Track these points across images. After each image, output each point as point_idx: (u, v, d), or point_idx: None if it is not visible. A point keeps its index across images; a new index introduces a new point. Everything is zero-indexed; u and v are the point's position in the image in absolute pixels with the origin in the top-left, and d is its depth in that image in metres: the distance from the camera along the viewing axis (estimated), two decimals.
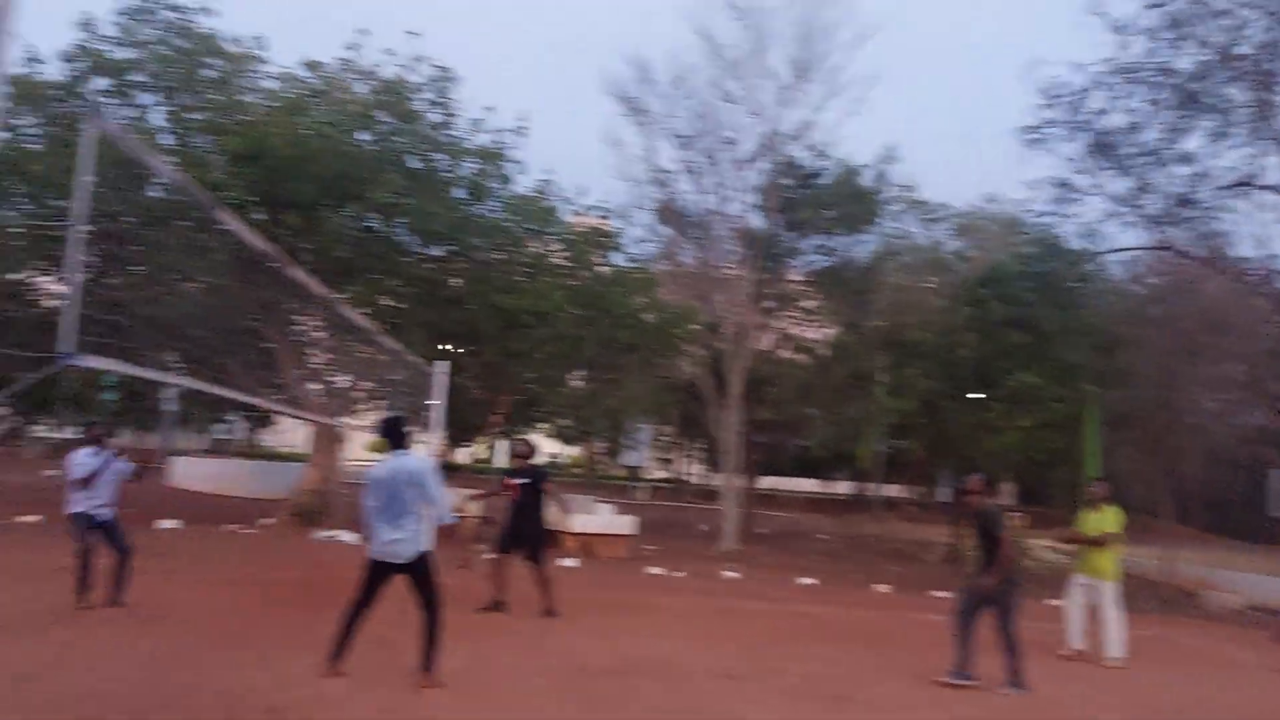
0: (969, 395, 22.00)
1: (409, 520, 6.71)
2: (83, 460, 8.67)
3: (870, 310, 23.90)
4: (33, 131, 14.99)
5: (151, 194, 14.69)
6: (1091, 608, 9.97)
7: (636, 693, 7.02)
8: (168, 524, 16.24)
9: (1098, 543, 9.86)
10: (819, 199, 22.67)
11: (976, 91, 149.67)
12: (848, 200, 22.36)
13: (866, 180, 22.91)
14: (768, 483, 35.76)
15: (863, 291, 23.57)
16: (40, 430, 42.55)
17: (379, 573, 6.83)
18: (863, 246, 24.28)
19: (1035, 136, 17.87)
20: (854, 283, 23.72)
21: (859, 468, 36.45)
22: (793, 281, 25.16)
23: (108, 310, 13.73)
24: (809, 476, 43.72)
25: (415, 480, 6.70)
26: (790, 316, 25.76)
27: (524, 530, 10.11)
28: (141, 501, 20.68)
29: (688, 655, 8.62)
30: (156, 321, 14.88)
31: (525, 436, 11.62)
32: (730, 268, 22.62)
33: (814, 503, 41.61)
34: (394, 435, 6.92)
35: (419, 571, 6.76)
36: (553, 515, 10.25)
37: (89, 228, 3.77)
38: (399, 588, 6.87)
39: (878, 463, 26.73)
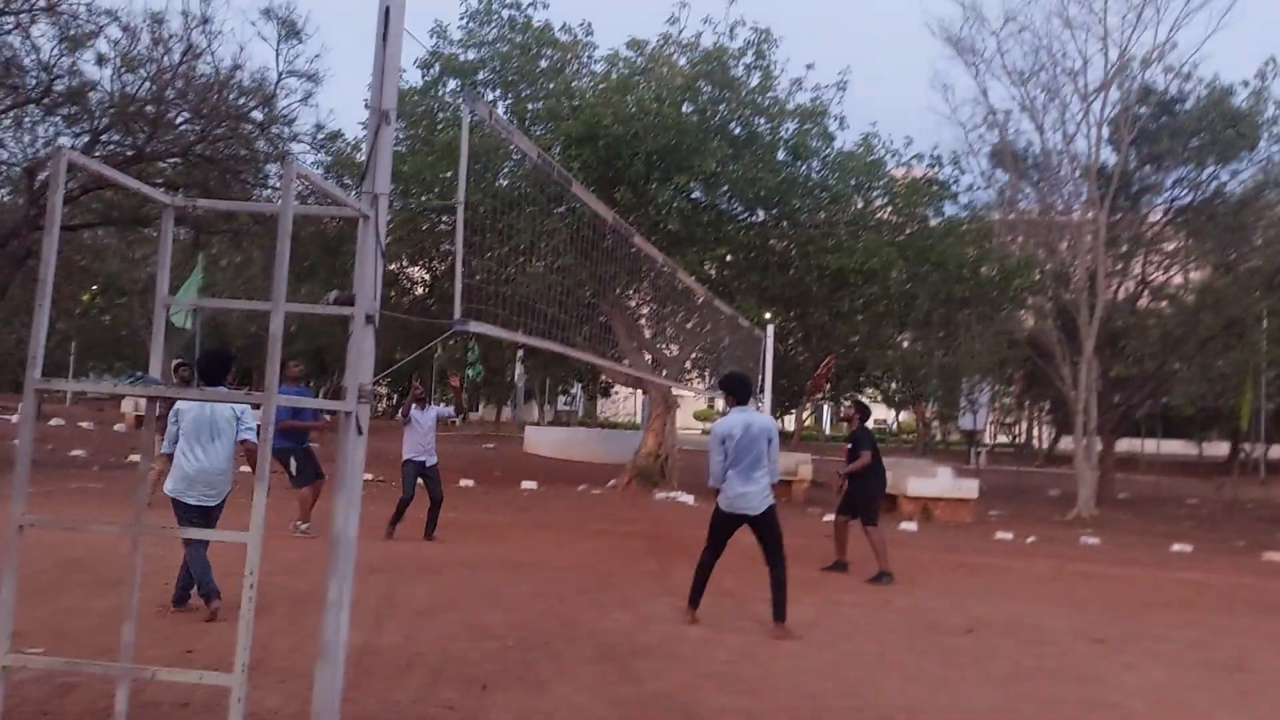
0: None
1: (760, 473, 6.84)
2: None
3: (1247, 248, 21.09)
4: (398, 134, 16.92)
5: (501, 182, 16.10)
6: None
7: (996, 652, 6.74)
8: (528, 485, 17.80)
9: None
10: (1181, 127, 20.28)
11: None
12: (1217, 125, 19.81)
13: (1240, 100, 20.16)
14: (1125, 445, 32.70)
15: (1238, 228, 20.84)
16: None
17: (730, 525, 7.02)
18: (1237, 176, 21.44)
19: None
20: (1227, 218, 21.02)
21: (1235, 427, 32.37)
22: (1152, 222, 22.75)
23: (472, 293, 15.22)
24: (1174, 438, 39.46)
25: (767, 435, 6.84)
26: (1150, 261, 23.34)
27: (855, 492, 9.99)
28: (502, 464, 22.86)
29: (1049, 618, 8.15)
30: (513, 300, 16.28)
31: (858, 400, 11.44)
32: (1077, 211, 20.84)
33: (1180, 466, 37.48)
34: (741, 391, 7.08)
35: (769, 523, 6.90)
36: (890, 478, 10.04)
37: (459, 211, 4.18)
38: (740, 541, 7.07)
39: (1258, 420, 23.57)
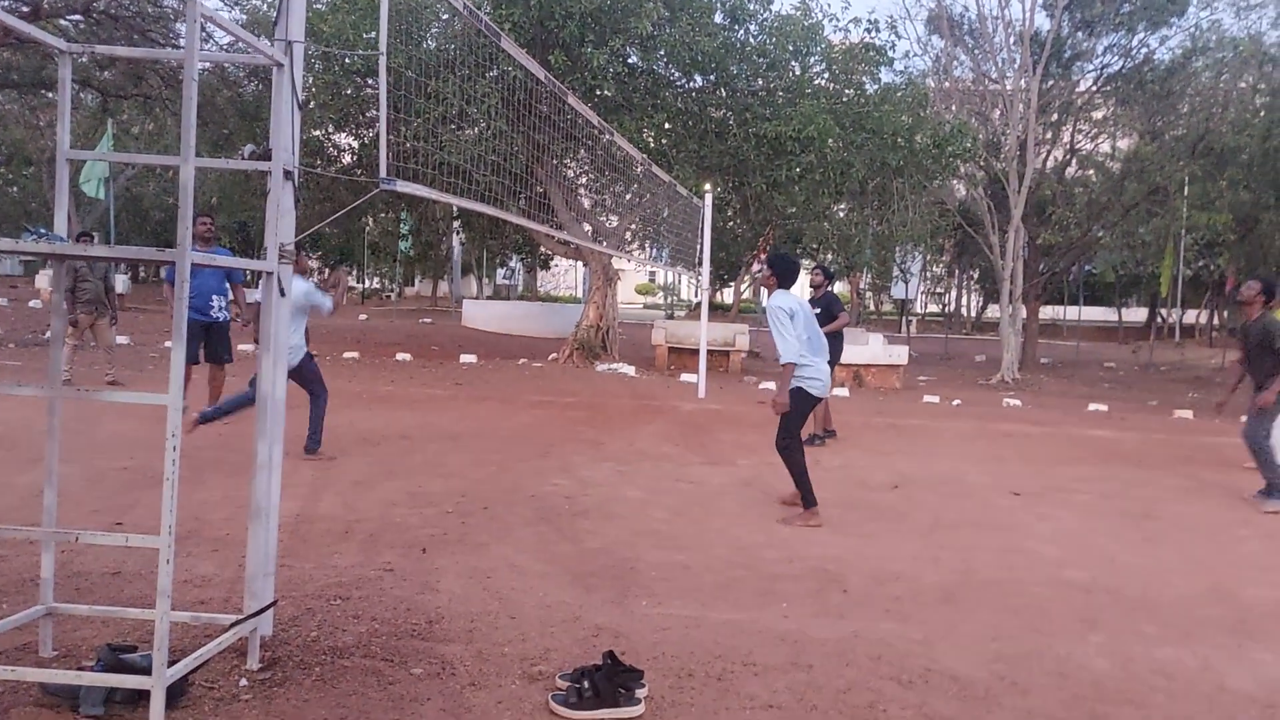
0: None
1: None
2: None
3: (1174, 116, 21.33)
4: None
5: (427, 44, 15.40)
6: None
7: (920, 505, 7.01)
8: (467, 358, 17.73)
9: None
10: None
11: None
12: None
13: None
14: (1049, 312, 33.67)
15: (1166, 95, 21.00)
16: (348, 279, 47.11)
17: (812, 406, 6.55)
18: (1166, 43, 21.49)
19: None
20: (1154, 86, 21.14)
21: (1154, 293, 33.49)
22: (1082, 90, 22.81)
23: (401, 159, 14.76)
24: (1096, 305, 40.71)
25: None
26: (1079, 129, 23.50)
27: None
28: (441, 339, 22.71)
29: (971, 474, 8.48)
30: (444, 168, 15.84)
31: (821, 265, 11.41)
32: (1010, 79, 20.78)
33: (1101, 331, 38.81)
34: (787, 273, 6.47)
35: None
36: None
37: (381, 62, 3.97)
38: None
39: (1176, 287, 24.35)
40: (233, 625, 3.20)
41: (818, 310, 10.13)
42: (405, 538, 5.38)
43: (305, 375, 7.55)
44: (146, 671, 2.75)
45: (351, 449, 8.17)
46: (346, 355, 17.37)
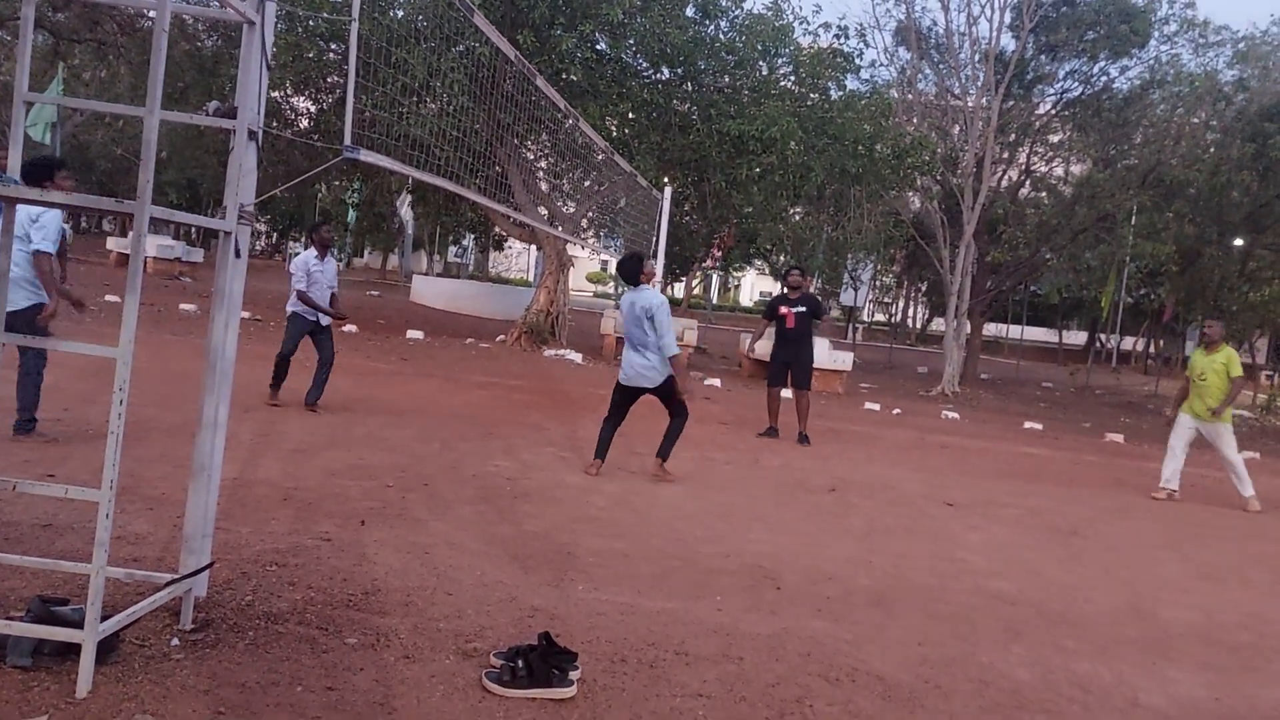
0: (1235, 242, 19.99)
1: (650, 349, 7.11)
2: (304, 264, 8.70)
3: (1128, 145, 21.88)
4: None
5: (394, 14, 15.22)
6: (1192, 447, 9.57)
7: (855, 509, 7.14)
8: (414, 334, 17.58)
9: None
10: (1080, 18, 20.58)
11: None
12: (1113, 19, 20.16)
13: None
14: (993, 329, 34.34)
15: (1121, 124, 21.54)
16: (296, 246, 46.49)
17: (628, 395, 7.36)
18: (1126, 73, 22.03)
19: None
20: (1111, 114, 21.68)
21: (1095, 317, 34.33)
22: (1041, 113, 23.28)
23: (360, 128, 14.56)
24: (1038, 325, 41.63)
25: (648, 313, 7.06)
26: (1035, 151, 23.99)
27: (796, 358, 10.24)
28: (388, 314, 22.48)
29: (906, 482, 8.65)
30: (404, 140, 15.66)
31: (799, 265, 11.50)
32: (973, 96, 21.13)
33: (1041, 352, 39.70)
34: (630, 272, 7.33)
35: (665, 391, 7.25)
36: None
37: (353, 28, 3.94)
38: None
39: (1116, 313, 25.02)
40: (169, 584, 3.16)
41: (802, 309, 10.25)
42: (344, 508, 5.34)
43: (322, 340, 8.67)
44: (78, 624, 2.71)
45: (293, 416, 8.07)
46: None
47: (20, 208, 5.70)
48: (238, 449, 6.41)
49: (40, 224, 5.85)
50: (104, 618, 2.75)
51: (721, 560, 5.29)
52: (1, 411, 6.17)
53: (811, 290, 10.92)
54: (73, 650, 2.74)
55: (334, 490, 5.73)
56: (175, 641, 3.17)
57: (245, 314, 16.26)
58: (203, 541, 3.36)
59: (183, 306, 16.71)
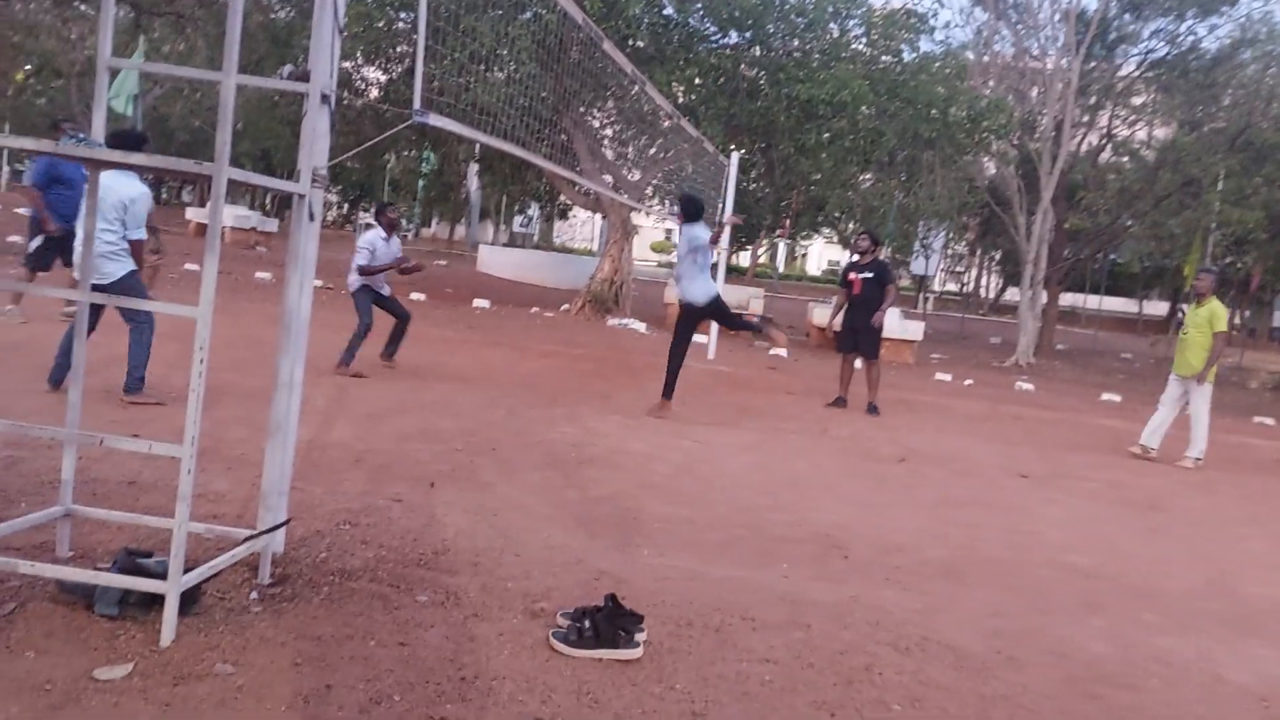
0: None
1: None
2: (371, 242, 8.93)
3: (1216, 107, 21.00)
4: None
5: None
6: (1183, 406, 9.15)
7: (926, 480, 7.03)
8: (480, 303, 17.74)
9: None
10: None
11: None
12: None
13: None
14: (1069, 299, 33.42)
15: (1209, 85, 20.67)
16: (366, 216, 47.07)
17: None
18: (1215, 32, 21.14)
19: None
20: (1198, 75, 20.80)
21: (1176, 287, 33.20)
22: (1124, 74, 22.44)
23: (433, 94, 14.65)
24: (1117, 295, 40.44)
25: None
26: (1117, 114, 23.17)
27: (864, 325, 10.08)
28: (454, 282, 22.70)
29: (979, 453, 8.49)
30: (473, 108, 15.73)
31: (869, 230, 11.29)
32: (1051, 57, 20.46)
33: (1121, 322, 38.56)
34: (691, 209, 8.62)
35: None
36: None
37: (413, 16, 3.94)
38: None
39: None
40: (248, 539, 3.24)
41: (869, 275, 10.06)
42: (414, 471, 5.42)
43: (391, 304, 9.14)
44: (162, 576, 2.80)
45: (365, 382, 8.21)
46: None
47: (115, 189, 5.90)
48: (311, 413, 6.54)
49: (134, 211, 6.07)
50: (186, 570, 2.83)
51: (788, 529, 5.25)
52: (92, 374, 6.38)
53: (882, 258, 10.69)
54: (157, 601, 2.83)
55: (404, 453, 5.82)
56: (254, 595, 3.26)
57: (318, 282, 16.59)
58: (279, 499, 3.43)
59: (258, 275, 17.10)
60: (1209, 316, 8.89)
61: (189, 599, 2.95)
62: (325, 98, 3.25)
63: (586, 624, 3.25)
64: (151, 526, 3.56)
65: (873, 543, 5.15)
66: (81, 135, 2.81)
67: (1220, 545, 6.09)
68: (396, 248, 9.19)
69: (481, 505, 4.90)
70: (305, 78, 3.21)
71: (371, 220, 9.11)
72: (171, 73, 3.92)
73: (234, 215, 25.28)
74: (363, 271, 8.92)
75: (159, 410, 6.10)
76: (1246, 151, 19.59)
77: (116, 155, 2.78)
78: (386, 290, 9.16)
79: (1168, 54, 21.63)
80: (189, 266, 16.23)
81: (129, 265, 6.14)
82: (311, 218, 3.33)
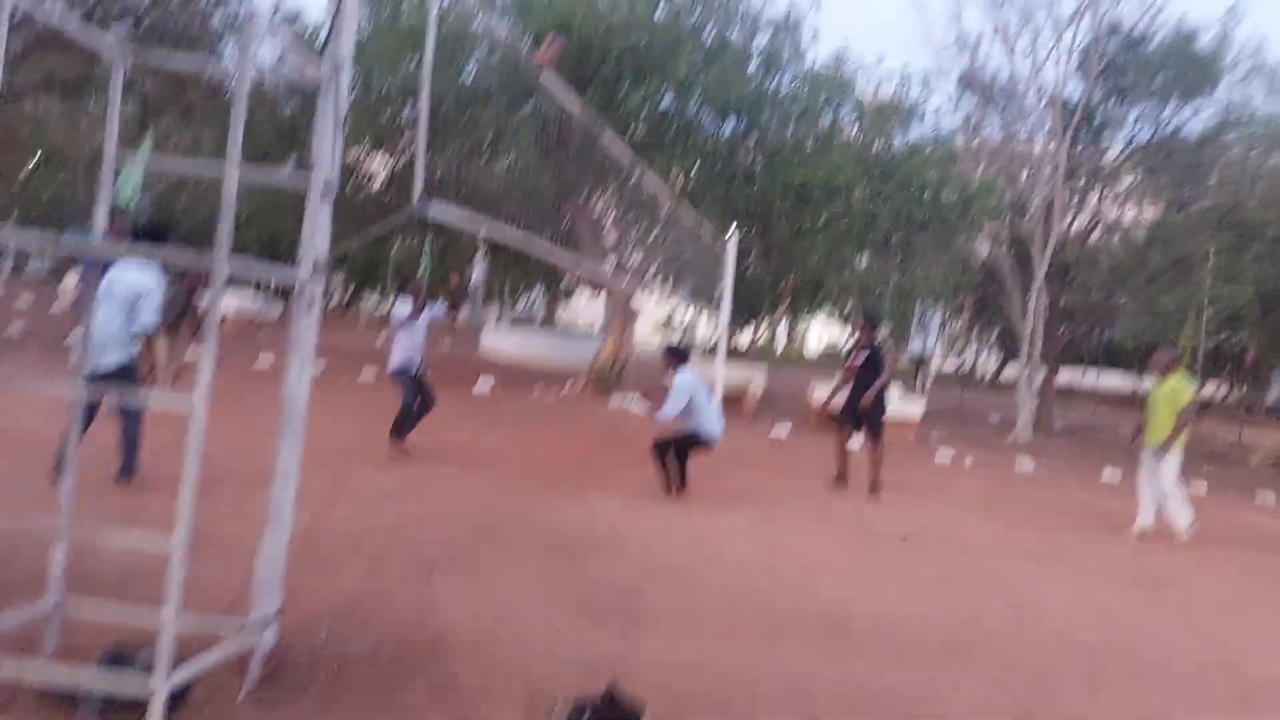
0: None
1: None
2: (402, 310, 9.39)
3: (1201, 188, 21.36)
4: (363, 21, 16.31)
5: (464, 80, 15.67)
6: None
7: (928, 559, 6.97)
8: (483, 385, 17.78)
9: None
10: (1147, 63, 20.29)
11: None
12: (1181, 64, 19.85)
13: (1204, 44, 20.24)
14: (1067, 376, 33.49)
15: (1193, 167, 21.06)
16: (369, 300, 47.33)
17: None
18: (1197, 115, 21.59)
19: None
20: (1183, 157, 21.22)
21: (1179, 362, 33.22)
22: (1111, 157, 22.90)
23: (432, 186, 14.96)
24: (1114, 371, 40.50)
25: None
26: (1105, 195, 23.56)
27: (867, 407, 10.09)
28: (457, 365, 22.79)
29: (980, 532, 8.43)
30: (476, 195, 16.03)
31: (867, 313, 11.38)
32: (1039, 141, 20.90)
33: (1119, 399, 38.53)
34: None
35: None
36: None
37: (423, 87, 4.07)
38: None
39: (1196, 358, 24.25)
40: (239, 633, 3.21)
41: (863, 358, 10.09)
42: (414, 556, 5.39)
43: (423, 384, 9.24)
44: (149, 673, 2.76)
45: (365, 465, 8.20)
46: (364, 375, 17.46)
47: (126, 278, 6.02)
48: (312, 497, 6.50)
49: (149, 300, 6.16)
50: (175, 665, 2.80)
51: (791, 609, 5.20)
52: (89, 460, 6.38)
53: (880, 339, 10.76)
54: (145, 700, 2.79)
55: (404, 539, 5.79)
56: (246, 690, 3.22)
57: (321, 364, 16.66)
58: (273, 589, 3.42)
59: (260, 360, 17.17)
60: (1172, 392, 8.95)
61: (178, 696, 2.91)
62: (327, 189, 3.33)
63: (587, 715, 3.20)
64: (142, 621, 3.53)
65: (876, 622, 5.09)
66: (83, 230, 2.87)
67: (1224, 624, 6.02)
68: (438, 314, 9.51)
69: (481, 590, 4.86)
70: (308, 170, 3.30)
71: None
72: (177, 166, 4.02)
73: (237, 302, 25.51)
74: (396, 328, 9.32)
75: (159, 497, 6.08)
76: (1235, 230, 19.85)
77: (114, 248, 2.84)
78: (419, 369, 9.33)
79: (1152, 137, 22.09)
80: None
81: (131, 353, 6.21)
82: (311, 306, 3.38)
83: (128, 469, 6.34)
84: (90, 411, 6.15)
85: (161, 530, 3.06)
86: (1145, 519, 9.10)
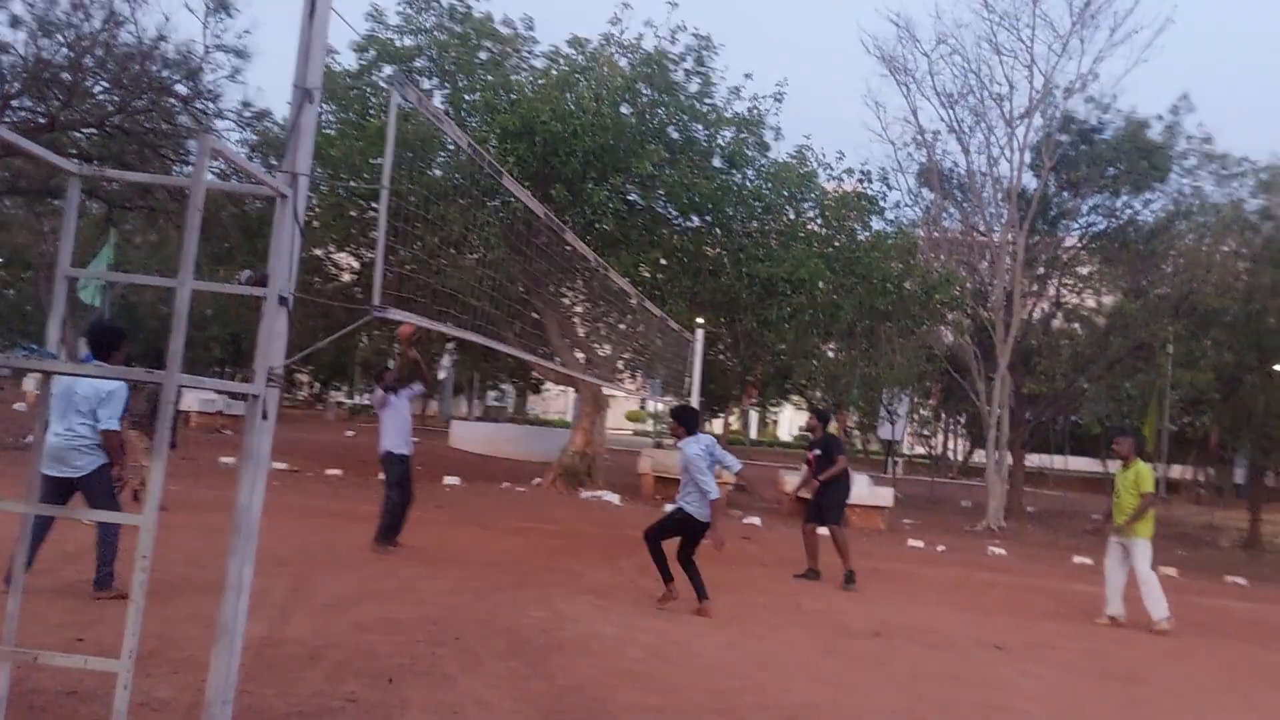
0: (1276, 368, 19.71)
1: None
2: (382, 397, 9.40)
3: (1157, 275, 21.94)
4: (329, 118, 16.57)
5: (434, 173, 15.91)
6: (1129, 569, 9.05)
7: (901, 654, 6.88)
8: (451, 480, 17.60)
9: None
10: (1099, 155, 21.02)
11: None
12: (1133, 156, 20.59)
13: (1154, 134, 21.02)
14: (1035, 460, 33.72)
15: (1150, 254, 21.67)
16: (338, 395, 47.08)
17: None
18: (1149, 206, 22.30)
19: None
20: (1138, 246, 21.84)
21: (1139, 446, 33.59)
22: (1068, 246, 23.52)
23: (399, 283, 15.01)
24: (1082, 455, 40.83)
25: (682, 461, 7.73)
26: (1064, 283, 24.13)
27: (821, 496, 10.15)
28: (426, 459, 22.58)
29: (953, 624, 8.36)
30: (441, 293, 16.06)
31: (815, 410, 11.53)
32: (998, 232, 21.45)
33: (1087, 482, 38.73)
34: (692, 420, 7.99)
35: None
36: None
37: (383, 195, 4.12)
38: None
39: (1162, 442, 24.54)
40: None
41: (817, 452, 10.21)
42: (373, 666, 5.24)
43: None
44: None
45: (326, 570, 8.03)
46: (329, 472, 17.24)
47: (89, 382, 5.95)
48: (269, 606, 6.36)
49: (108, 402, 6.12)
50: None
51: (761, 713, 5.09)
52: (51, 570, 6.21)
53: (838, 428, 10.94)
54: None
55: (363, 646, 5.64)
56: None
57: (283, 465, 16.44)
58: (223, 709, 3.30)
59: (222, 460, 16.93)
60: (1135, 478, 9.05)
61: None
62: (283, 300, 3.33)
63: None
64: None
65: None
66: (34, 348, 2.85)
67: (1200, 715, 5.95)
68: (407, 396, 9.59)
69: (442, 701, 4.72)
70: (263, 282, 3.30)
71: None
72: (130, 280, 4.02)
73: (200, 400, 25.25)
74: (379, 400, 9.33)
75: (110, 607, 5.90)
76: (1192, 316, 20.33)
77: (67, 368, 2.82)
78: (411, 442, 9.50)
79: (1107, 227, 22.74)
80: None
81: (100, 459, 6.13)
82: (265, 416, 3.35)
83: (103, 580, 6.22)
84: (47, 521, 6.02)
85: (114, 645, 2.96)
86: (1114, 606, 9.08)
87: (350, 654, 5.45)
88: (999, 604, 9.88)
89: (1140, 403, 21.97)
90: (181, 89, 16.25)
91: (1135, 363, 21.08)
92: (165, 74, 15.99)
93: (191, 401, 24.86)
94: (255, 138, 17.17)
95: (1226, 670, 7.54)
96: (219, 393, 27.63)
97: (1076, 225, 23.30)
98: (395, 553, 9.09)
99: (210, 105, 16.46)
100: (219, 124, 16.48)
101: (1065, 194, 22.50)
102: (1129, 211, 22.60)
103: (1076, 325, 24.57)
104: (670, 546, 7.80)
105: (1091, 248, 23.34)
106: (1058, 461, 35.07)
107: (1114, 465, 10.23)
